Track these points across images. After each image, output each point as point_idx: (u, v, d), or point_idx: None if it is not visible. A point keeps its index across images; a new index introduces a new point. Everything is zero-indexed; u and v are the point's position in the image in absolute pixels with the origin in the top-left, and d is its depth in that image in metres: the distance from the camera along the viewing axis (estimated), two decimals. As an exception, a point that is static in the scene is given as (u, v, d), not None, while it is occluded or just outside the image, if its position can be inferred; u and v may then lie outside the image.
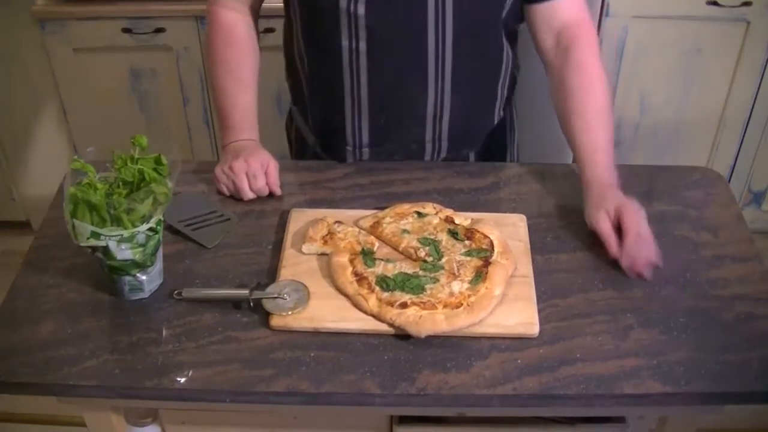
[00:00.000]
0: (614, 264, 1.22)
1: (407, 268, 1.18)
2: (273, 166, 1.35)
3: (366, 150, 1.44)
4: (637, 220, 1.20)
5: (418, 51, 1.32)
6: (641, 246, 1.19)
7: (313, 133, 1.51)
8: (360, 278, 1.15)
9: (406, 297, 1.12)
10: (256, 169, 1.33)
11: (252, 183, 1.33)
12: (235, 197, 1.36)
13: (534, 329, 1.11)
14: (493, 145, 1.52)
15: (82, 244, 1.09)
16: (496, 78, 1.42)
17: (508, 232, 1.25)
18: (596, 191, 1.27)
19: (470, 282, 1.15)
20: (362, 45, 1.31)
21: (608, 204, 1.23)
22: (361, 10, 1.28)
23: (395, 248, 1.23)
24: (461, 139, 1.45)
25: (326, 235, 1.23)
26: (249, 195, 1.34)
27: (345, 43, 1.32)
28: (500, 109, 1.47)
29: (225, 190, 1.36)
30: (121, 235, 1.08)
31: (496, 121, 1.48)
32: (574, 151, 1.35)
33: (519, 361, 1.07)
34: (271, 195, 1.35)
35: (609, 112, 1.34)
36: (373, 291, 1.14)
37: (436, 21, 1.29)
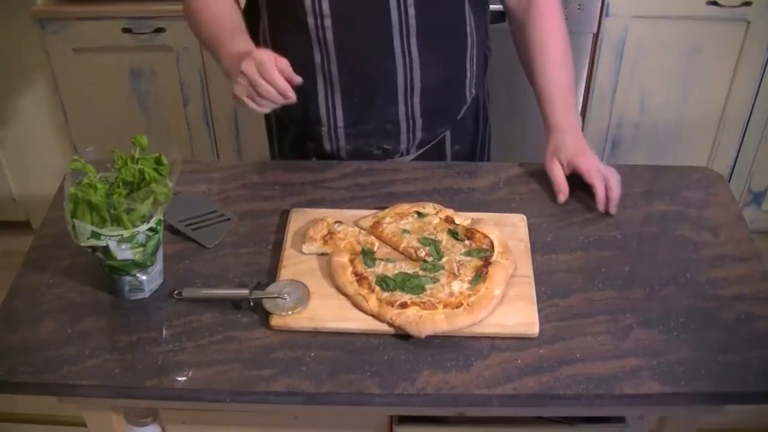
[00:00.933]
0: (614, 264, 1.22)
1: (407, 268, 1.18)
2: (282, 60, 1.23)
3: (341, 130, 1.45)
4: (594, 168, 1.31)
5: (382, 22, 1.33)
6: (613, 187, 1.30)
7: (287, 118, 1.51)
8: (360, 278, 1.15)
9: (406, 297, 1.12)
10: (265, 60, 1.21)
11: (266, 75, 1.20)
12: (259, 104, 1.24)
13: (534, 329, 1.11)
14: (466, 127, 1.54)
15: (82, 244, 1.09)
16: (462, 51, 1.43)
17: (508, 232, 1.25)
18: (553, 138, 1.37)
19: (470, 282, 1.15)
20: (327, 21, 1.33)
21: (561, 154, 1.34)
22: None
23: (395, 248, 1.23)
24: (435, 116, 1.46)
25: (326, 235, 1.23)
26: (269, 89, 1.21)
27: (311, 21, 1.33)
28: (471, 86, 1.49)
29: (246, 99, 1.25)
30: (121, 235, 1.08)
31: (468, 99, 1.50)
32: (536, 97, 1.43)
33: (519, 361, 1.07)
34: (270, 192, 1.35)
35: (568, 59, 1.43)
36: (373, 291, 1.13)
37: None
